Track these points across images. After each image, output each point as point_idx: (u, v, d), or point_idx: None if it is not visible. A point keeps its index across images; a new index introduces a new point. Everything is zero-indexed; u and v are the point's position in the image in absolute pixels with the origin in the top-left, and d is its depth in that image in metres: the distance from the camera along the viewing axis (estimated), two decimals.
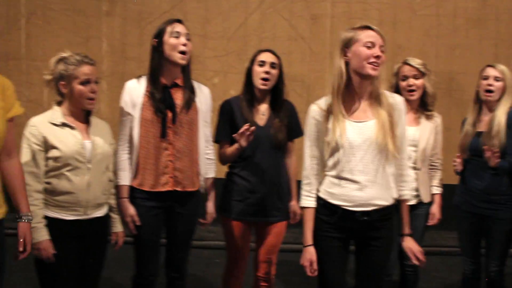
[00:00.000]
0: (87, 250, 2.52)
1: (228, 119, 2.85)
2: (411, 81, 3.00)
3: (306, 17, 4.62)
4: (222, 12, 4.61)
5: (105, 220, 2.59)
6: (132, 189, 2.66)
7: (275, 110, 2.85)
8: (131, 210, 2.62)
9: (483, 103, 3.04)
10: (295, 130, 2.91)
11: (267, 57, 2.81)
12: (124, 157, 2.65)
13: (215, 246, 4.58)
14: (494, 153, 2.75)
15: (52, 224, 2.38)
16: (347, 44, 2.21)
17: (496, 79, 2.95)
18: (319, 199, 2.30)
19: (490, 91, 2.95)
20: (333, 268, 2.27)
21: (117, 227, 2.68)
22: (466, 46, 4.60)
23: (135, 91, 2.64)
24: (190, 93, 2.69)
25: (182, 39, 2.59)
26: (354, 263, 2.35)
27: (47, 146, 2.39)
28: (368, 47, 2.15)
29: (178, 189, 2.65)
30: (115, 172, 2.66)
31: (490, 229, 2.99)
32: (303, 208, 2.34)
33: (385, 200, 2.22)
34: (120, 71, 4.67)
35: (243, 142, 2.64)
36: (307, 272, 2.28)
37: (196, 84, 2.76)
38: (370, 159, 2.17)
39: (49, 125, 2.41)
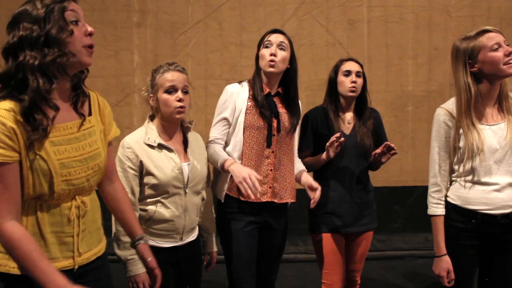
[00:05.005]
0: (182, 276, 2.37)
1: (311, 129, 2.78)
2: None
3: (343, 22, 4.58)
4: (258, 20, 4.53)
5: (197, 243, 2.45)
6: (229, 200, 2.53)
7: (360, 118, 2.79)
8: (246, 169, 2.28)
9: None
10: (381, 137, 2.85)
11: (352, 66, 2.75)
12: (218, 147, 2.49)
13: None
14: None
15: None
16: (471, 55, 2.16)
17: None
18: (450, 206, 2.24)
19: None
20: (467, 279, 2.23)
21: (210, 247, 2.55)
22: None
23: (239, 96, 2.53)
24: (297, 108, 2.62)
25: (272, 49, 2.50)
26: (482, 271, 2.29)
27: (143, 171, 2.22)
28: (496, 49, 2.11)
29: (276, 200, 2.53)
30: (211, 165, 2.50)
31: None
32: (433, 216, 2.27)
33: None
34: None
35: (332, 153, 2.57)
36: (444, 282, 2.22)
37: None
38: (506, 160, 2.15)
39: (144, 147, 2.23)
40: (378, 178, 4.66)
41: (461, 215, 2.20)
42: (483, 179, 2.16)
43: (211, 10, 4.55)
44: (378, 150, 2.60)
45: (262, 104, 2.50)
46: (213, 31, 4.58)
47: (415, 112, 4.69)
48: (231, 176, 2.44)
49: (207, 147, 2.52)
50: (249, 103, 2.52)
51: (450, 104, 2.24)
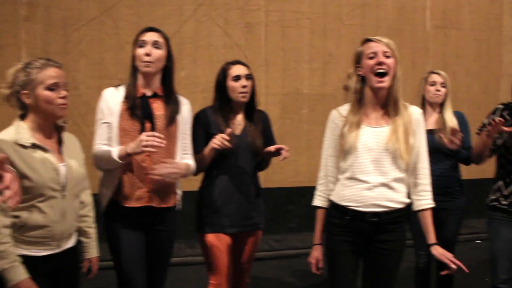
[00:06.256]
0: (59, 286, 2.22)
1: (203, 129, 2.76)
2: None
3: (241, 26, 4.63)
4: (156, 19, 4.45)
5: (76, 249, 2.31)
6: (112, 203, 2.46)
7: (250, 119, 2.82)
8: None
9: (427, 105, 3.30)
10: (270, 138, 2.91)
11: (240, 70, 2.76)
12: (104, 147, 2.42)
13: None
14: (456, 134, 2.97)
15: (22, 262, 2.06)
16: (357, 60, 2.29)
17: (442, 85, 3.25)
18: (331, 202, 2.36)
19: (437, 95, 3.24)
20: (342, 273, 2.31)
21: (90, 252, 2.42)
22: None
23: (112, 99, 2.46)
24: (174, 104, 2.55)
25: (147, 48, 2.43)
26: (362, 267, 2.38)
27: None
28: (371, 58, 2.22)
29: (154, 205, 2.48)
30: (99, 165, 2.44)
31: (444, 220, 3.23)
32: (315, 207, 2.39)
33: (394, 202, 2.28)
34: None
35: (217, 143, 2.53)
36: (312, 269, 2.36)
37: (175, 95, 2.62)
38: (381, 162, 2.25)
39: (16, 147, 2.06)
40: (274, 179, 4.78)
41: (337, 211, 2.32)
42: (357, 176, 2.26)
43: (107, 7, 4.39)
44: (271, 149, 2.66)
45: (132, 105, 2.43)
46: (109, 29, 4.43)
47: (310, 115, 4.85)
48: (116, 180, 2.43)
49: (93, 153, 2.44)
50: (123, 107, 2.45)
51: (344, 107, 2.36)
